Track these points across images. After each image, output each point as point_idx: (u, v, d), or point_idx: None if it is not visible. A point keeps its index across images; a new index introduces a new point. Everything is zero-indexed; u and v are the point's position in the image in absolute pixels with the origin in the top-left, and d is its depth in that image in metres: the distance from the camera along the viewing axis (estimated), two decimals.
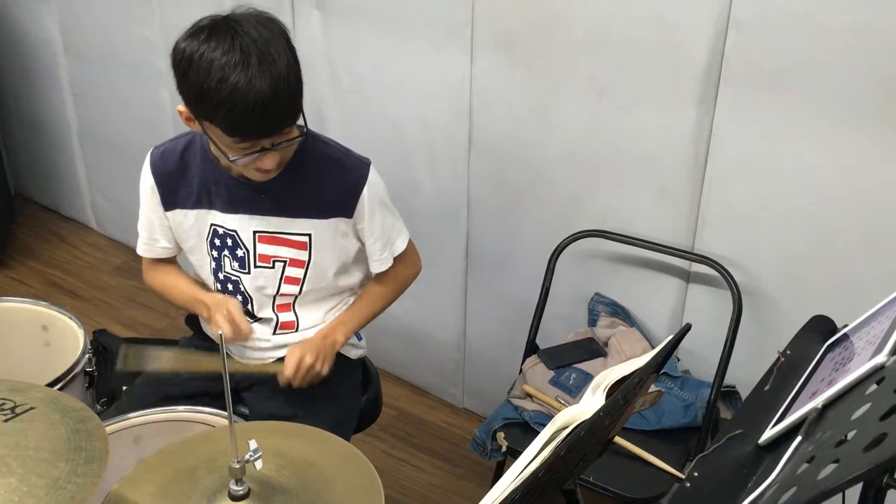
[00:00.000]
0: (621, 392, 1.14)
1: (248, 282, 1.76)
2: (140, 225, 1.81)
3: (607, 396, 1.15)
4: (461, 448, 2.57)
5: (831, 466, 0.82)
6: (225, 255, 1.75)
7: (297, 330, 1.81)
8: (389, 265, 1.81)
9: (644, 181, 2.07)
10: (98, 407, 1.93)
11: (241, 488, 1.23)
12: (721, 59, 1.85)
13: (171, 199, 1.74)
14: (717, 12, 1.82)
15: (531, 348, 2.21)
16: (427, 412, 2.75)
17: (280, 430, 1.44)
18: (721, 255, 2.01)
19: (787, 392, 1.16)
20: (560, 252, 2.18)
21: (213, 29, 1.50)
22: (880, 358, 0.97)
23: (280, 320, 1.80)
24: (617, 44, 1.98)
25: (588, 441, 1.17)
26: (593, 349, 2.15)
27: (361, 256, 1.83)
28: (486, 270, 2.49)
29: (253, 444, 1.24)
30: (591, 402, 1.14)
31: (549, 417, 1.43)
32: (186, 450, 1.38)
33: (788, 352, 1.28)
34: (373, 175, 1.73)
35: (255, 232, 1.72)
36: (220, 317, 1.69)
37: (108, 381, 2.34)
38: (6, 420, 1.16)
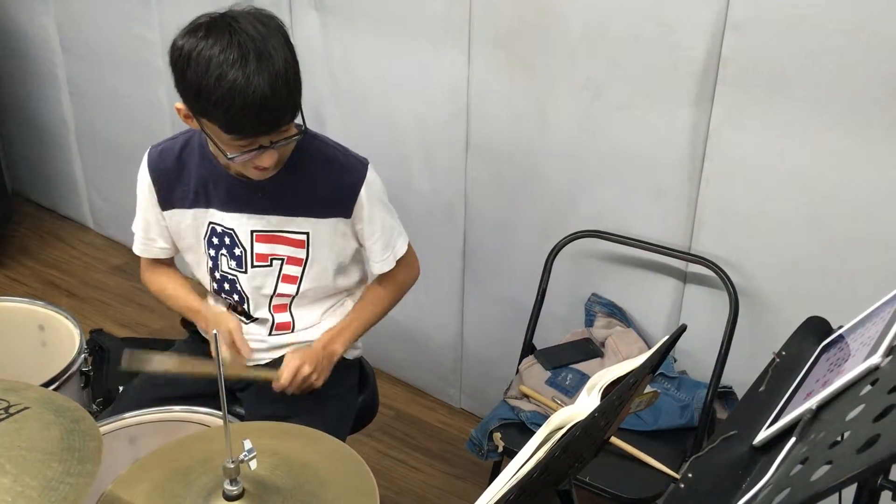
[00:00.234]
0: (616, 393, 1.14)
1: (245, 281, 1.75)
2: (135, 224, 1.81)
3: (603, 397, 1.15)
4: (458, 448, 2.57)
5: (825, 468, 0.82)
6: (222, 254, 1.75)
7: (293, 331, 1.81)
8: (392, 266, 1.80)
9: (641, 182, 2.07)
10: (94, 407, 1.93)
11: (235, 488, 1.23)
12: (718, 60, 1.85)
13: (169, 198, 1.73)
14: (715, 13, 1.82)
15: (528, 349, 2.21)
16: (424, 412, 2.75)
17: (275, 431, 1.44)
18: (717, 256, 2.01)
19: (782, 393, 1.16)
20: (557, 252, 2.18)
21: (211, 26, 1.50)
22: (874, 359, 0.97)
23: (276, 321, 1.80)
24: (614, 44, 1.98)
25: (583, 441, 1.17)
26: (590, 350, 2.15)
27: (359, 257, 1.83)
28: (482, 271, 2.49)
29: (248, 444, 1.24)
30: (587, 402, 1.14)
31: (546, 418, 1.43)
32: (181, 450, 1.38)
33: (784, 353, 1.28)
34: (371, 175, 1.72)
35: (252, 231, 1.72)
36: (221, 339, 1.69)
37: (104, 381, 2.34)
38: (0, 420, 1.16)
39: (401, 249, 1.81)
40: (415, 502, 2.43)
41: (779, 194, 1.88)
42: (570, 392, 2.04)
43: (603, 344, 2.17)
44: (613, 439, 1.85)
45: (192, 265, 1.82)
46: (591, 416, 1.09)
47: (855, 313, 1.19)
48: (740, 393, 2.04)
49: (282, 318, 1.80)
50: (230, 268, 1.75)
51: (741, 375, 2.00)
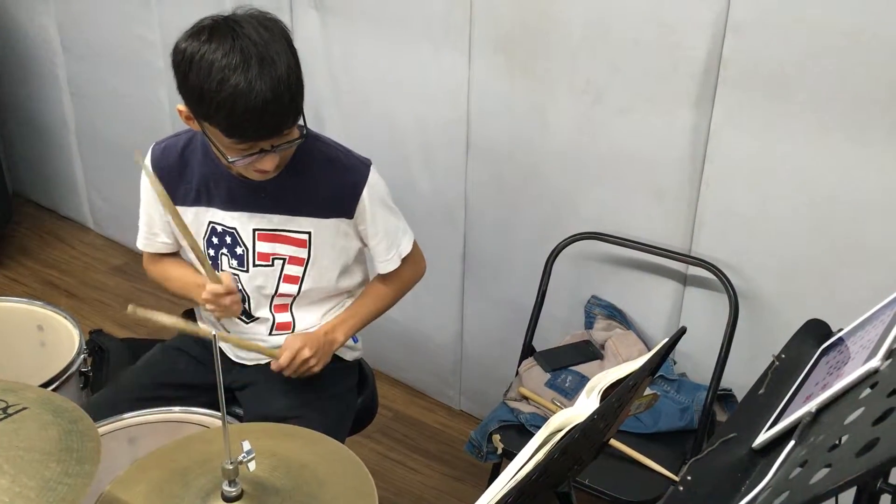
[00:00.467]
0: (616, 395, 1.14)
1: (246, 280, 1.75)
2: (140, 219, 1.82)
3: (602, 399, 1.15)
4: (457, 450, 2.57)
5: (824, 471, 0.82)
6: (223, 254, 1.75)
7: (293, 331, 1.81)
8: (397, 266, 1.80)
9: (641, 184, 2.07)
10: None
11: (234, 489, 1.23)
12: (719, 62, 1.85)
13: (171, 195, 1.73)
14: (716, 14, 1.82)
15: (527, 350, 2.21)
16: (423, 414, 2.75)
17: (274, 432, 1.44)
18: (718, 259, 2.01)
19: (781, 396, 1.16)
20: (557, 254, 2.18)
21: (213, 30, 1.50)
22: (874, 362, 0.97)
23: (276, 321, 1.80)
24: (614, 46, 1.98)
25: (582, 444, 1.17)
26: (590, 352, 2.15)
27: (362, 257, 1.83)
28: (482, 272, 2.49)
29: (246, 446, 1.24)
30: (586, 404, 1.14)
31: (545, 420, 1.43)
32: (180, 450, 1.38)
33: (783, 355, 1.28)
34: (373, 176, 1.72)
35: (254, 230, 1.72)
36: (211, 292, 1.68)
37: (103, 382, 2.33)
38: None
39: (406, 248, 1.81)
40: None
41: (779, 196, 1.88)
42: (570, 394, 2.04)
43: (603, 346, 2.16)
44: (613, 441, 1.85)
45: (193, 264, 1.82)
46: (591, 419, 1.08)
47: (855, 316, 1.19)
48: (740, 395, 2.04)
49: (282, 318, 1.80)
50: (231, 267, 1.75)
51: (741, 378, 2.00)
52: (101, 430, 1.59)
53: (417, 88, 2.36)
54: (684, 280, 2.11)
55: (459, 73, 2.25)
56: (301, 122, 1.59)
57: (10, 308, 1.97)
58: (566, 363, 2.12)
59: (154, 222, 1.80)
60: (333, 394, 1.83)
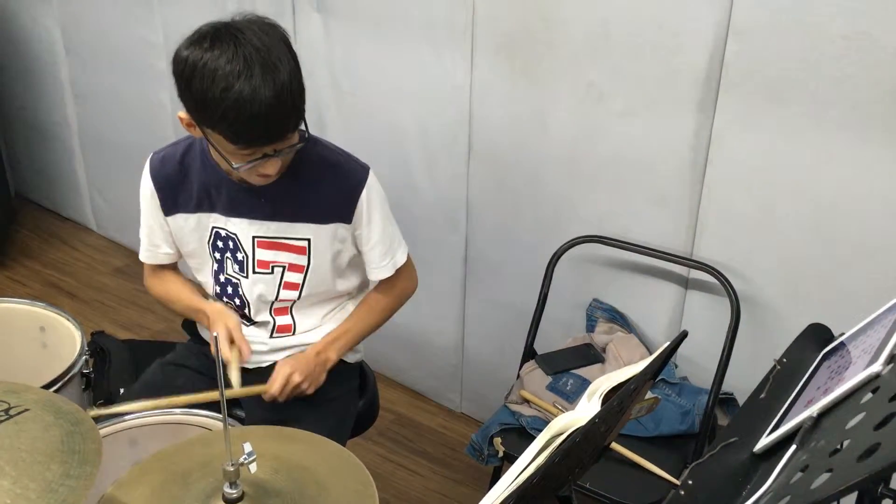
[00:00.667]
0: (617, 398, 1.14)
1: (247, 286, 1.76)
2: (142, 231, 1.82)
3: (603, 403, 1.15)
4: (458, 453, 2.57)
5: (825, 475, 0.82)
6: (227, 258, 1.75)
7: (293, 333, 1.81)
8: (391, 273, 1.80)
9: (643, 187, 2.07)
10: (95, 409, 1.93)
11: (235, 491, 1.23)
12: (721, 66, 1.85)
13: (172, 203, 1.74)
14: (717, 19, 1.82)
15: (529, 354, 2.21)
16: (425, 417, 2.75)
17: (275, 434, 1.44)
18: (719, 262, 2.01)
19: (782, 400, 1.16)
20: (558, 258, 2.18)
21: (215, 37, 1.49)
22: (875, 367, 0.97)
23: (277, 324, 1.80)
24: (616, 51, 1.98)
25: (583, 447, 1.17)
26: (591, 355, 2.15)
27: (356, 261, 1.83)
28: (484, 275, 2.49)
29: (248, 448, 1.24)
30: (587, 408, 1.14)
31: (547, 423, 1.43)
32: (181, 452, 1.38)
33: (785, 359, 1.27)
34: (371, 180, 1.73)
35: (254, 237, 1.72)
36: (222, 338, 1.69)
37: (105, 383, 2.34)
38: (0, 421, 1.16)
39: (401, 259, 1.81)
40: None
41: (781, 200, 1.88)
42: (571, 397, 2.04)
43: (604, 349, 2.16)
44: (614, 445, 1.85)
45: (195, 269, 1.82)
46: (592, 422, 1.08)
47: (856, 320, 1.19)
48: (741, 399, 2.04)
49: (283, 320, 1.80)
50: (234, 272, 1.75)
51: (742, 382, 2.00)
52: (103, 431, 1.59)
53: (419, 91, 2.36)
54: (686, 284, 2.11)
55: (461, 77, 2.26)
56: (302, 126, 1.59)
57: (11, 309, 1.97)
58: (567, 366, 2.12)
59: (154, 232, 1.80)
60: (335, 396, 1.83)
